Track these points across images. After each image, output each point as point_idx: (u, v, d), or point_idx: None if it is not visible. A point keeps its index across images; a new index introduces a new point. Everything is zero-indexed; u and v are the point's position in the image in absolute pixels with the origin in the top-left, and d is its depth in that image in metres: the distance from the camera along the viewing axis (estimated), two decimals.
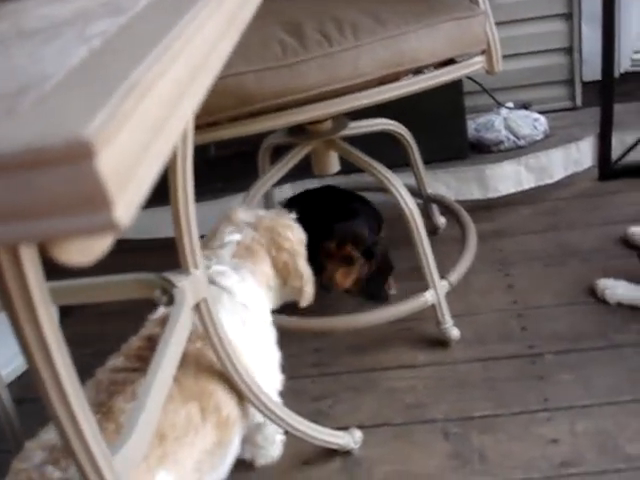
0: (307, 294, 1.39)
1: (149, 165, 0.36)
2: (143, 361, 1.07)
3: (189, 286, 1.07)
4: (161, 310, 1.21)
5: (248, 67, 1.34)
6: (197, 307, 1.11)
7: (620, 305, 1.71)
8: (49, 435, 0.97)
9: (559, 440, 1.40)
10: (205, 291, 1.11)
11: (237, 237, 1.32)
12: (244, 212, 1.38)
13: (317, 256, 1.64)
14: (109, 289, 1.15)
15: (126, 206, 0.33)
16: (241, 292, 1.26)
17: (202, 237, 1.26)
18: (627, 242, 1.92)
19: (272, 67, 1.34)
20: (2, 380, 1.26)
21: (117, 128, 0.33)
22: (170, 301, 1.06)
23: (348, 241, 1.64)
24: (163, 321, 1.16)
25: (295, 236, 1.37)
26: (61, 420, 0.66)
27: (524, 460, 1.37)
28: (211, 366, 1.17)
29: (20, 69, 0.43)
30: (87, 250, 0.36)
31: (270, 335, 1.35)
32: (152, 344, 1.11)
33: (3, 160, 0.31)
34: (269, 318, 1.36)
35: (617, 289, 1.72)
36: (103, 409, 0.99)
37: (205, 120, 1.38)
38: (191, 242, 1.07)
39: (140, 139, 0.36)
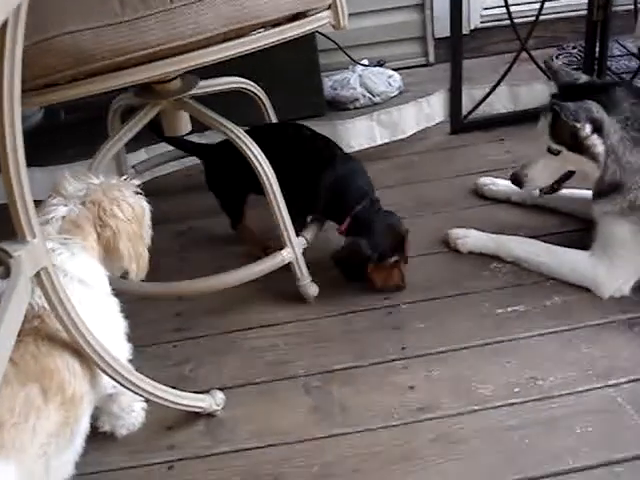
0: (132, 273, 1.32)
1: None
2: None
3: (26, 256, 1.01)
4: None
5: (85, 24, 1.27)
6: (38, 277, 1.06)
7: (471, 253, 1.77)
8: None
9: (415, 387, 1.45)
10: (46, 260, 1.06)
11: (62, 212, 1.24)
12: (73, 183, 1.28)
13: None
14: None
15: None
16: (73, 268, 1.20)
17: None
18: (477, 192, 1.99)
19: (110, 24, 1.27)
20: None
21: None
22: (7, 273, 1.01)
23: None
24: None
25: (125, 212, 1.28)
26: None
27: (383, 408, 1.41)
28: (52, 344, 1.11)
29: None
30: None
31: (112, 305, 1.29)
32: None
33: None
34: (108, 289, 1.29)
35: (468, 238, 1.78)
36: None
37: (42, 81, 1.31)
38: (26, 209, 1.01)
39: None
